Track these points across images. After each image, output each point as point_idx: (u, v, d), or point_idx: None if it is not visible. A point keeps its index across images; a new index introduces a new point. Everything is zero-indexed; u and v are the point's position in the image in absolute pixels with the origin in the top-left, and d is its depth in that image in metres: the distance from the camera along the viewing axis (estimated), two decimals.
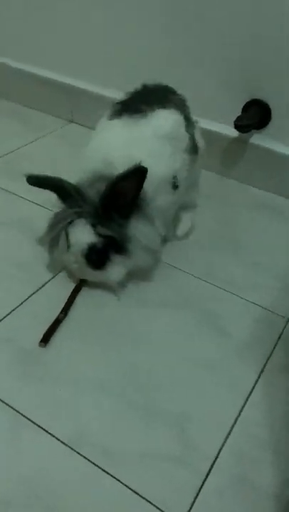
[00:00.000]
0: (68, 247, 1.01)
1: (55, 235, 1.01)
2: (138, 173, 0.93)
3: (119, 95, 1.60)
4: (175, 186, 1.09)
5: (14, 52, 1.80)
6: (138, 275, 1.11)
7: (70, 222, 0.98)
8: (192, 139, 1.17)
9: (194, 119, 1.22)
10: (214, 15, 1.37)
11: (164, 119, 1.10)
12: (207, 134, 1.33)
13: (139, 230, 1.00)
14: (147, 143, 1.05)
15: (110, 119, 1.13)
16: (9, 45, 1.80)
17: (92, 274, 1.04)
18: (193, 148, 1.18)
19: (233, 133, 1.47)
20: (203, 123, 1.48)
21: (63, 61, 1.71)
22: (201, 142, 1.23)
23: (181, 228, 1.27)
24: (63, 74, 1.73)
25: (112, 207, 0.96)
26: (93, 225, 0.97)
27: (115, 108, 1.16)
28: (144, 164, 0.93)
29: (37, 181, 1.00)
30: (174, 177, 1.08)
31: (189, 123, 1.18)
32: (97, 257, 1.00)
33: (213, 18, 1.38)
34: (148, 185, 0.97)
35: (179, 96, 1.22)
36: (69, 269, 1.09)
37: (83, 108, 1.73)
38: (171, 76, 1.51)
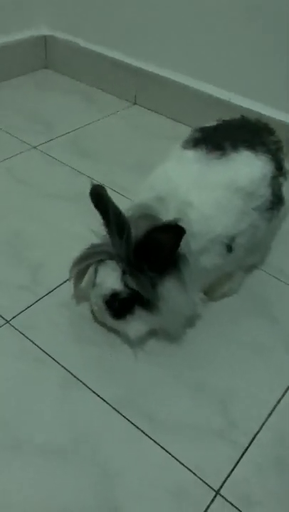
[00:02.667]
0: (93, 285, 0.91)
1: (83, 269, 0.91)
2: (173, 232, 0.80)
3: (183, 79, 1.65)
4: (230, 249, 0.92)
5: (85, 33, 1.84)
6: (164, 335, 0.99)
7: (101, 260, 0.88)
8: (277, 192, 0.96)
9: (287, 169, 1.01)
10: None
11: (247, 168, 0.92)
12: (270, 121, 1.32)
13: (170, 293, 0.86)
14: (216, 192, 0.89)
15: (184, 148, 0.97)
16: (80, 25, 1.84)
17: (110, 321, 0.94)
18: (274, 204, 0.96)
19: None
20: (267, 111, 1.49)
21: (131, 43, 1.74)
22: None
23: (224, 289, 1.08)
24: (130, 56, 1.76)
25: (146, 257, 0.83)
26: (123, 272, 0.86)
27: (194, 135, 0.99)
28: (200, 217, 0.85)
29: (95, 198, 0.87)
30: (233, 238, 0.91)
31: (280, 173, 0.98)
32: (118, 306, 0.89)
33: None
34: (195, 241, 0.86)
35: (275, 138, 1.02)
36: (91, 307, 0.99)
37: (147, 91, 1.76)
38: (240, 62, 1.52)
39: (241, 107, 1.53)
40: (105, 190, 0.88)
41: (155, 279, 0.85)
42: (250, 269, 1.15)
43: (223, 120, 1.06)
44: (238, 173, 0.91)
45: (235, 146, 0.94)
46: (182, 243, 0.83)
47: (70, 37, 1.89)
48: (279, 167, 0.98)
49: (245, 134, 0.99)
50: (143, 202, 0.91)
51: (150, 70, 1.72)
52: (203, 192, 0.89)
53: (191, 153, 0.95)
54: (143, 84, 1.77)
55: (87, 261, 0.89)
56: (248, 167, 0.93)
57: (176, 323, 0.95)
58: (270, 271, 1.17)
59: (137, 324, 0.92)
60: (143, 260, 0.84)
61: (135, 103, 1.83)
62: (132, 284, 0.85)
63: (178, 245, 0.82)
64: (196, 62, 1.62)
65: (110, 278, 0.87)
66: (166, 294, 0.87)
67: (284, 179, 0.99)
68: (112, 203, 0.86)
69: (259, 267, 1.17)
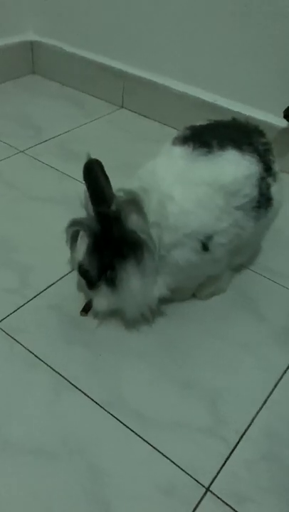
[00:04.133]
0: None
1: (73, 233, 0.94)
2: (100, 216, 0.85)
3: (169, 82, 1.67)
4: (205, 247, 0.91)
5: (71, 38, 1.85)
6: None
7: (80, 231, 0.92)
8: (264, 192, 0.96)
9: (276, 170, 1.01)
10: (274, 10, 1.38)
11: (232, 167, 0.92)
12: (257, 123, 1.34)
13: (126, 277, 0.88)
14: (198, 189, 0.90)
15: (173, 144, 0.98)
16: (66, 31, 1.85)
17: (86, 288, 0.97)
18: (262, 204, 0.96)
19: (283, 123, 1.47)
20: (254, 113, 1.51)
21: (117, 47, 1.75)
22: (278, 197, 1.00)
23: (213, 288, 1.09)
24: (116, 60, 1.77)
25: (107, 238, 0.86)
26: (88, 247, 0.88)
27: (183, 133, 1.00)
28: (178, 211, 0.87)
29: (85, 172, 0.90)
30: (210, 237, 0.90)
31: (268, 174, 0.98)
32: (86, 275, 0.92)
33: (273, 13, 1.38)
34: (170, 234, 0.88)
35: (265, 140, 1.02)
36: None
37: (134, 94, 1.77)
38: (226, 65, 1.53)
39: (227, 109, 1.55)
40: (99, 165, 0.89)
41: (115, 262, 0.87)
42: (238, 268, 1.16)
43: (214, 120, 1.06)
44: (222, 171, 0.91)
45: (222, 145, 0.94)
46: (153, 234, 0.85)
47: (56, 42, 1.89)
48: (267, 168, 0.98)
49: (234, 134, 0.99)
50: (131, 189, 0.90)
51: (137, 73, 1.73)
52: (186, 187, 0.89)
53: (178, 150, 0.95)
54: (130, 88, 1.78)
55: (74, 227, 0.92)
56: (233, 166, 0.92)
57: (132, 308, 0.96)
58: (259, 270, 1.18)
59: (100, 299, 0.95)
60: (107, 240, 0.86)
61: (122, 106, 1.84)
62: (85, 262, 0.89)
63: (109, 231, 0.85)
64: (182, 66, 1.64)
65: (80, 250, 0.90)
66: (123, 278, 0.89)
67: (273, 180, 0.99)
68: (96, 179, 0.87)
69: (247, 266, 1.18)
